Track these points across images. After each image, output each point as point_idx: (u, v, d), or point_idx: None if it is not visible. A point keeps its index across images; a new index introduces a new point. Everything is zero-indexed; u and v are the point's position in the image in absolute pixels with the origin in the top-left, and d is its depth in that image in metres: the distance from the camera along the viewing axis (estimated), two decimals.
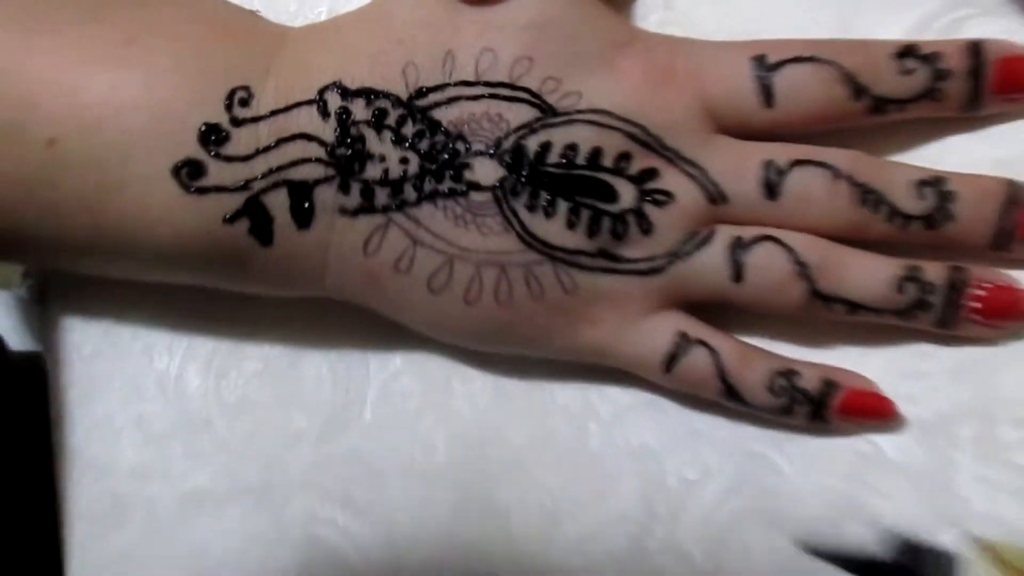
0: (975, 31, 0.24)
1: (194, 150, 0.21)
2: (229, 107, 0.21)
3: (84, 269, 0.25)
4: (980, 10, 0.24)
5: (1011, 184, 0.22)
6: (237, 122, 0.21)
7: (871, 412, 0.23)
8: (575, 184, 0.22)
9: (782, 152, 0.22)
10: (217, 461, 0.27)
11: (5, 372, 0.38)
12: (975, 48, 0.22)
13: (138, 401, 0.28)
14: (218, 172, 0.21)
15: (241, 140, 0.21)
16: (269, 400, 0.27)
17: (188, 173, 0.21)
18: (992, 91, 0.23)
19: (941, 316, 0.22)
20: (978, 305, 0.22)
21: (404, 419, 0.26)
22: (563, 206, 0.22)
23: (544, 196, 0.22)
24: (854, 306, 0.22)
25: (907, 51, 0.22)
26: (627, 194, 0.22)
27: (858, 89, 0.22)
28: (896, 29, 0.25)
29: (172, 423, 0.28)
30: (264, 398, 0.27)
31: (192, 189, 0.21)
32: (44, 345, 0.30)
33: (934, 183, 0.22)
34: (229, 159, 0.21)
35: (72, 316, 0.29)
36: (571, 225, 0.22)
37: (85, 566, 0.29)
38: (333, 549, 0.26)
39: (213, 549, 0.27)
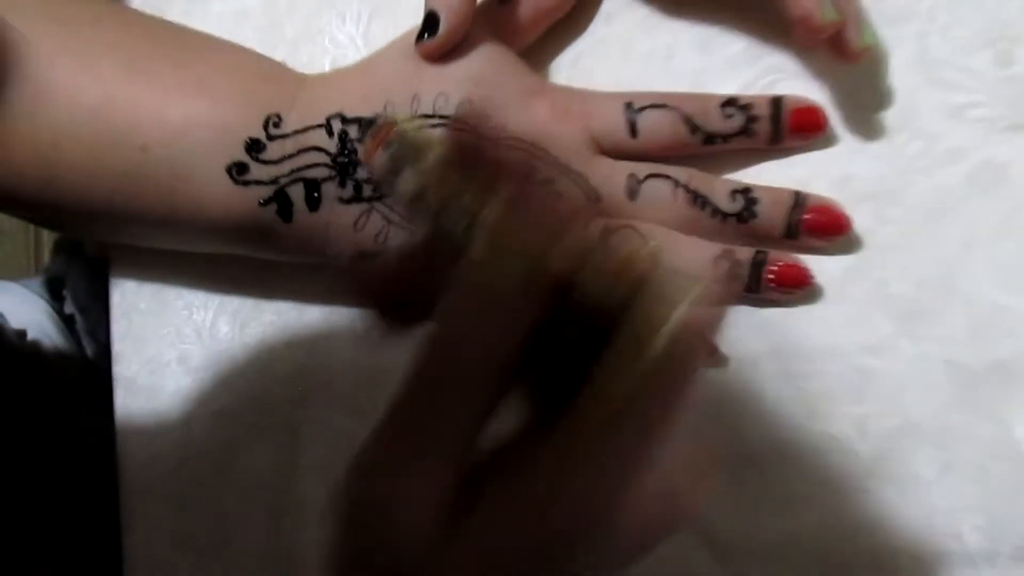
0: (783, 89, 0.34)
1: (241, 155, 0.31)
2: (266, 127, 0.31)
3: (157, 242, 0.34)
4: (788, 75, 0.35)
5: (798, 193, 0.33)
6: (271, 137, 0.31)
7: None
8: None
9: (641, 168, 0.32)
10: (240, 387, 0.37)
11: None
12: (776, 101, 0.33)
13: (180, 344, 0.38)
14: (257, 171, 0.31)
15: (273, 149, 0.31)
16: (280, 342, 0.37)
17: (236, 171, 0.31)
18: (788, 131, 0.33)
19: (748, 284, 0.32)
20: (773, 276, 0.32)
21: (379, 355, 0.36)
22: None
23: None
24: None
25: (729, 102, 0.33)
26: None
27: (694, 127, 0.32)
28: (732, 86, 0.35)
29: (206, 360, 0.37)
30: (277, 341, 0.37)
31: (239, 182, 0.31)
32: (106, 304, 0.39)
33: (744, 191, 0.32)
34: (264, 162, 0.31)
35: (131, 281, 0.38)
36: None
37: (135, 473, 0.38)
38: (327, 441, 0.35)
39: (237, 448, 0.36)
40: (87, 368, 0.46)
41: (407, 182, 0.22)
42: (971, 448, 0.32)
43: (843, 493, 0.33)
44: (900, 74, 0.34)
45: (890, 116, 0.34)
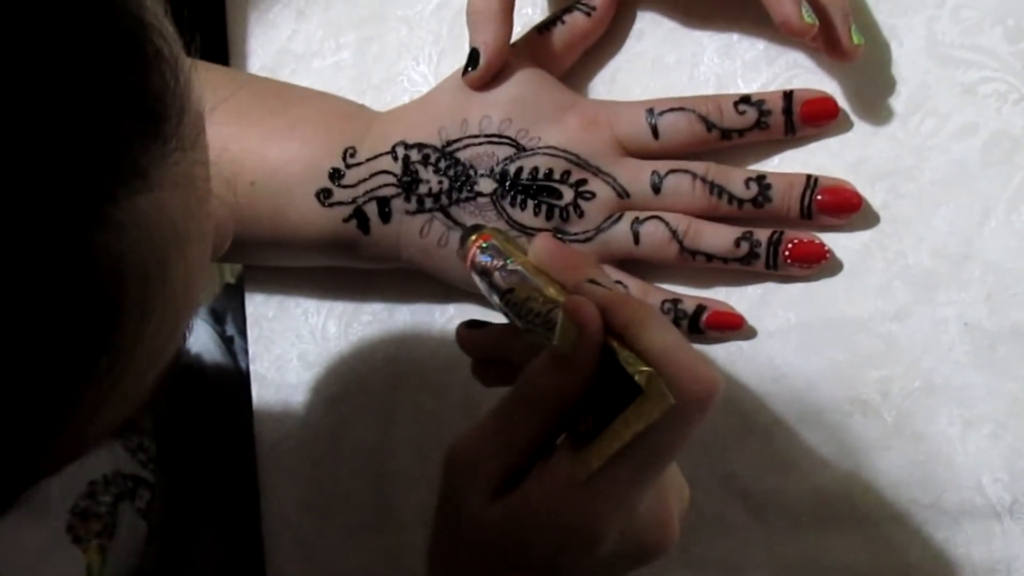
0: (801, 83, 0.37)
1: (326, 183, 0.38)
2: (344, 158, 0.38)
3: (265, 260, 0.42)
4: (805, 70, 0.37)
5: (810, 177, 0.35)
6: (348, 166, 0.38)
7: (729, 324, 0.36)
8: (538, 190, 0.37)
9: (663, 165, 0.36)
10: (346, 376, 0.44)
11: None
12: (788, 95, 0.36)
13: (299, 343, 0.45)
14: (339, 194, 0.38)
15: (351, 176, 0.38)
16: (376, 338, 0.43)
17: (323, 195, 0.38)
18: (801, 121, 0.36)
19: (767, 261, 0.35)
20: (789, 253, 0.35)
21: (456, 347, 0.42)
22: (531, 203, 0.37)
23: (520, 198, 0.37)
24: (710, 256, 0.36)
25: (743, 99, 0.36)
26: (568, 195, 0.37)
27: (710, 125, 0.36)
28: (755, 86, 0.38)
29: (319, 355, 0.44)
30: (373, 337, 0.44)
31: (325, 204, 0.38)
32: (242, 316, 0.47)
33: (758, 179, 0.36)
34: (345, 186, 0.38)
35: (260, 295, 0.46)
36: (536, 214, 0.37)
37: (268, 451, 0.45)
38: (417, 419, 0.41)
39: (345, 427, 0.43)
40: (240, 378, 0.55)
41: (500, 281, 0.31)
42: (991, 406, 0.34)
43: (869, 451, 0.35)
44: (911, 60, 0.36)
45: (902, 99, 0.36)
